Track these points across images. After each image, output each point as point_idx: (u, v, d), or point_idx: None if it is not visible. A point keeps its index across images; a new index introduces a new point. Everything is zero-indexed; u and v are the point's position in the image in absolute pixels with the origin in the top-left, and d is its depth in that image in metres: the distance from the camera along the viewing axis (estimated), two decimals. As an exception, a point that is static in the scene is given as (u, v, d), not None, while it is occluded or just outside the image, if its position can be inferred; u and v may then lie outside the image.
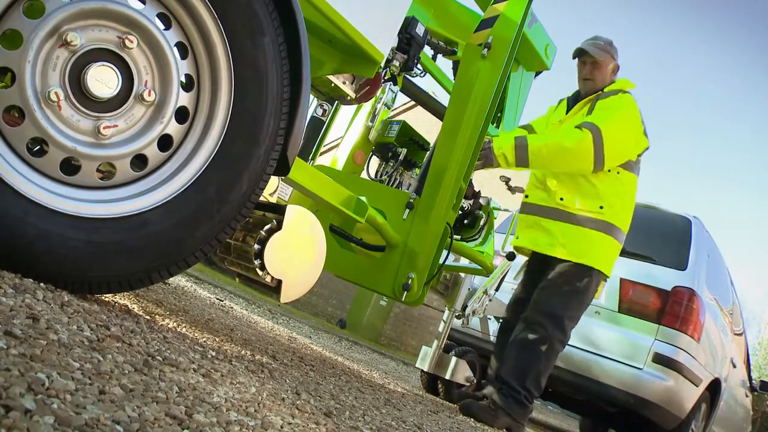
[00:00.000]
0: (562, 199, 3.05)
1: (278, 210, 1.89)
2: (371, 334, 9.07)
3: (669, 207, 4.61)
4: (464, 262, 3.66)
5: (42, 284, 1.37)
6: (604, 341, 3.97)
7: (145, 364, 1.18)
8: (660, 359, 3.79)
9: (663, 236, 4.37)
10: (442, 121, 3.06)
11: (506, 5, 2.98)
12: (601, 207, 2.99)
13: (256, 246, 1.83)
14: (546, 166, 3.02)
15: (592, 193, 3.00)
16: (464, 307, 3.63)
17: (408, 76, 3.37)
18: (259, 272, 1.85)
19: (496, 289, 3.61)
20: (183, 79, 1.58)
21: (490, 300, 3.66)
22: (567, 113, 3.24)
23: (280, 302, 1.91)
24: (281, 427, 1.21)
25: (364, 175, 3.45)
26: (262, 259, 1.82)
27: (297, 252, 1.90)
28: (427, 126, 4.88)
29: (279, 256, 1.83)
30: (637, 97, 3.09)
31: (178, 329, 1.88)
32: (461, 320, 3.66)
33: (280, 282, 1.87)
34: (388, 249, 2.84)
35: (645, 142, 3.08)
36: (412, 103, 9.22)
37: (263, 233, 1.83)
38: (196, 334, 1.94)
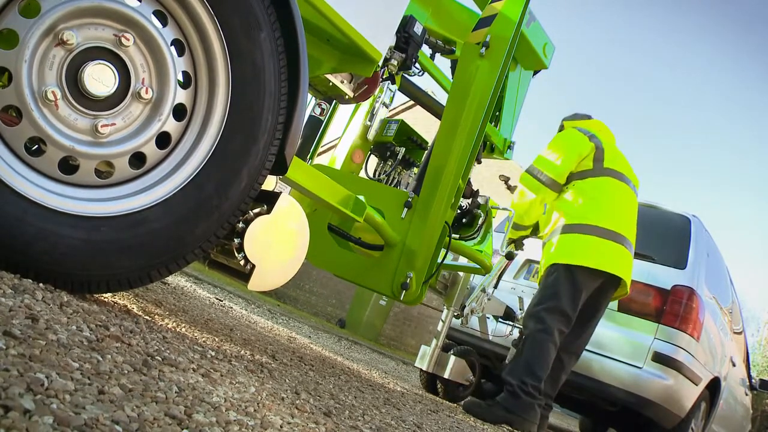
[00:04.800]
0: (544, 232, 3.51)
1: (272, 197, 1.86)
2: (371, 333, 9.05)
3: (668, 206, 4.61)
4: (463, 261, 3.66)
5: (41, 284, 1.37)
6: (603, 340, 3.97)
7: (145, 364, 1.17)
8: (660, 358, 3.79)
9: (662, 235, 4.36)
10: (440, 120, 3.06)
11: (504, 4, 2.97)
12: (553, 219, 3.40)
13: (240, 225, 1.77)
14: (527, 215, 3.51)
15: (548, 215, 3.47)
16: (463, 307, 3.64)
17: (406, 75, 3.36)
18: (236, 254, 1.80)
19: (495, 287, 3.62)
20: (180, 76, 1.57)
21: (489, 299, 3.66)
22: None
23: (248, 289, 1.86)
24: (281, 426, 1.21)
25: (362, 174, 3.45)
26: (242, 239, 1.77)
27: (278, 243, 1.85)
28: (425, 125, 4.88)
29: (259, 240, 1.79)
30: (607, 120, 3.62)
31: (178, 329, 1.88)
32: (460, 319, 3.67)
33: (253, 267, 1.81)
34: (386, 248, 2.84)
35: (587, 146, 3.36)
36: (411, 102, 9.23)
37: (251, 214, 1.78)
38: (195, 334, 1.93)
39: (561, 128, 3.75)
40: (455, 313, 3.68)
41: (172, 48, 1.54)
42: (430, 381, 4.11)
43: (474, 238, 3.32)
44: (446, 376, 3.61)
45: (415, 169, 3.44)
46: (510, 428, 3.07)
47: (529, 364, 3.10)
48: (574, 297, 3.18)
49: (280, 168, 1.74)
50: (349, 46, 2.12)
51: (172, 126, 1.57)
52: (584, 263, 3.18)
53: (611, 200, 3.31)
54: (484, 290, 3.63)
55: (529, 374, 3.08)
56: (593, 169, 3.34)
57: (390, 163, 3.45)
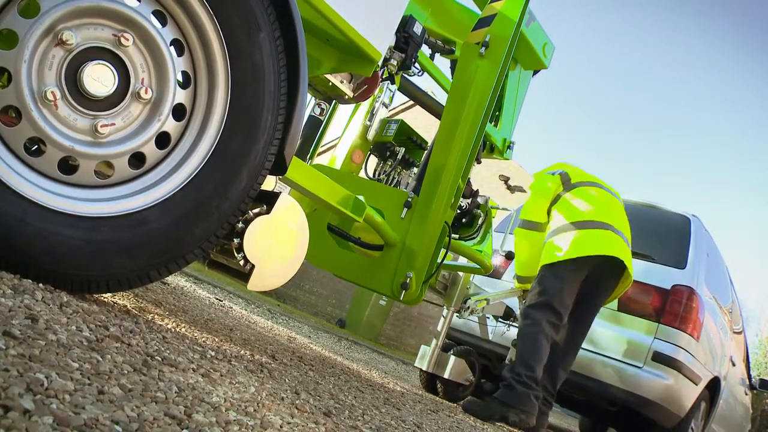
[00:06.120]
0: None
1: (272, 197, 1.86)
2: (371, 333, 9.05)
3: (668, 206, 4.61)
4: (463, 261, 3.67)
5: (41, 284, 1.37)
6: (603, 340, 3.97)
7: (144, 364, 1.17)
8: (659, 358, 3.79)
9: (662, 235, 4.36)
10: (440, 120, 3.06)
11: (504, 4, 2.97)
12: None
13: (240, 225, 1.77)
14: (530, 262, 3.53)
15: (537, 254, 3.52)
16: (465, 300, 3.64)
17: (406, 75, 3.36)
18: (236, 254, 1.80)
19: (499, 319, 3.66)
20: (179, 76, 1.57)
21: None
22: None
23: (247, 289, 1.86)
24: (280, 426, 1.21)
25: (362, 174, 3.45)
26: (242, 239, 1.77)
27: (278, 243, 1.85)
28: (425, 125, 4.87)
29: (259, 240, 1.79)
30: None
31: (177, 329, 1.88)
32: (461, 314, 3.68)
33: (253, 267, 1.81)
34: (386, 248, 2.84)
35: (554, 179, 3.54)
36: (411, 102, 9.21)
37: (251, 214, 1.78)
38: (195, 334, 1.93)
39: None
40: (456, 311, 3.69)
41: (172, 48, 1.54)
42: (430, 381, 4.11)
43: (474, 238, 3.32)
44: (446, 376, 3.61)
45: (415, 169, 3.44)
46: (510, 429, 3.07)
47: (521, 356, 3.16)
48: (560, 291, 3.23)
49: (279, 168, 1.74)
50: (349, 46, 2.12)
51: (171, 126, 1.57)
52: (563, 257, 3.24)
53: (589, 200, 3.41)
54: (487, 301, 3.66)
55: (522, 365, 3.12)
56: (564, 189, 3.49)
57: (390, 163, 3.45)
